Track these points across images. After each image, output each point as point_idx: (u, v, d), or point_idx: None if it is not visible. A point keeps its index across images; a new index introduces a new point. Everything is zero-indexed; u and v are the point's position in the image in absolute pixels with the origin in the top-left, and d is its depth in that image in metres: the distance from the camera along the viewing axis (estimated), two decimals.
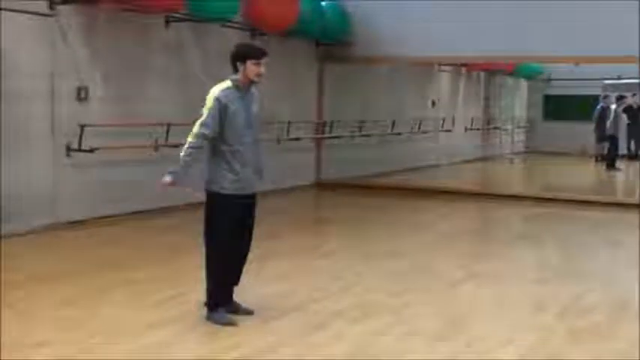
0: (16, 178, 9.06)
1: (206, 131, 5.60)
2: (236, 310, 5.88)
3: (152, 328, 5.63)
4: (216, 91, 5.70)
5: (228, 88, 5.72)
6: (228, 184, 5.69)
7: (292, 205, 12.49)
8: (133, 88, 10.68)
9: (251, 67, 5.70)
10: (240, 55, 5.75)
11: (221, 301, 5.82)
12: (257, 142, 5.94)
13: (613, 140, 20.92)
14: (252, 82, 5.81)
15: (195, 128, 5.65)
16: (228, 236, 5.72)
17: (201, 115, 5.66)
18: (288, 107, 13.63)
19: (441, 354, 5.26)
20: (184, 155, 5.63)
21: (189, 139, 5.66)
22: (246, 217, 5.84)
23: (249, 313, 5.90)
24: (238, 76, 5.75)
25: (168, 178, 5.61)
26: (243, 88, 5.77)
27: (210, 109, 5.62)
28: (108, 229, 9.68)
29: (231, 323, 5.68)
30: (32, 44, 9.22)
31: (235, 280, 5.93)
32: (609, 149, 21.05)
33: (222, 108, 5.62)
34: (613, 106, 20.95)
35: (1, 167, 8.85)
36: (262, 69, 5.76)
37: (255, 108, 5.89)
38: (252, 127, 5.84)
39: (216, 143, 5.68)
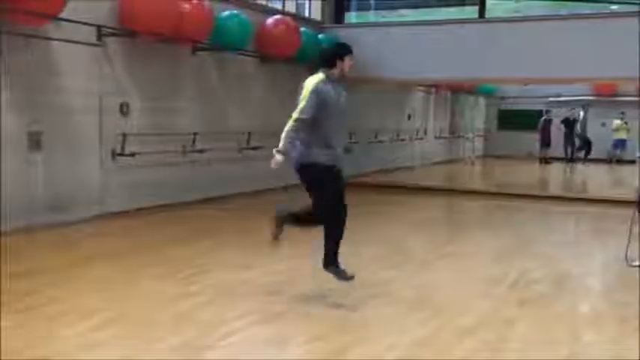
0: (72, 177, 9.06)
1: (304, 116, 5.37)
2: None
3: (181, 298, 5.64)
4: (313, 82, 5.47)
5: (322, 81, 5.50)
6: (325, 159, 5.48)
7: (289, 201, 12.45)
8: (165, 104, 10.65)
9: (347, 61, 5.61)
10: (340, 53, 5.62)
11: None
12: (343, 128, 5.82)
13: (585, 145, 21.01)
14: (341, 77, 5.64)
15: (295, 114, 5.42)
16: (337, 199, 5.58)
17: (299, 103, 5.44)
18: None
19: (413, 320, 5.26)
20: (285, 137, 5.40)
21: (289, 122, 5.42)
22: (341, 183, 5.67)
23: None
24: (334, 71, 5.56)
25: (278, 156, 5.37)
26: (336, 80, 5.61)
27: (308, 98, 5.38)
28: (143, 218, 9.66)
29: (352, 277, 5.59)
30: (84, 68, 9.20)
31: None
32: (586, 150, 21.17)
33: (319, 96, 5.40)
34: (581, 113, 21.02)
35: (60, 168, 8.85)
36: (352, 62, 5.69)
37: (343, 99, 5.66)
38: (342, 115, 5.63)
39: (313, 126, 5.42)
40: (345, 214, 5.69)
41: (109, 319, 5.02)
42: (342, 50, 5.67)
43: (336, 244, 5.63)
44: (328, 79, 5.55)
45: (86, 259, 7.01)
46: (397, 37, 14.01)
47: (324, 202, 5.55)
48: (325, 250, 5.61)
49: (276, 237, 5.80)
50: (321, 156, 5.48)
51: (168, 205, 10.40)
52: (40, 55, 8.53)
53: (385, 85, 16.75)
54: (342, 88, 5.70)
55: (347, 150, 5.94)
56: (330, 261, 5.61)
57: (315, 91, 5.40)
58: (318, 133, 5.46)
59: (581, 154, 22.66)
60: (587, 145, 21.83)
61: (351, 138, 16.05)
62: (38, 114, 8.53)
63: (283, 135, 5.42)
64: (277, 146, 5.42)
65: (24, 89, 8.35)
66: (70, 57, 8.93)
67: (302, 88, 5.51)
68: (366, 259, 7.40)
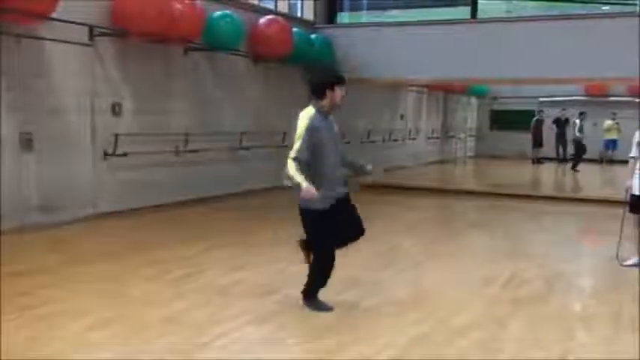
0: (65, 177, 9.05)
1: (301, 156, 5.03)
2: None
3: (176, 299, 5.65)
4: (305, 119, 5.13)
5: (313, 117, 5.15)
6: (321, 204, 5.15)
7: (287, 201, 12.47)
8: (157, 104, 10.64)
9: (338, 92, 5.22)
10: (329, 83, 5.22)
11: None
12: (339, 158, 5.37)
13: (579, 145, 20.99)
14: (332, 108, 5.27)
15: (292, 153, 5.06)
16: (330, 245, 5.33)
17: (293, 141, 5.11)
18: (284, 120, 13.60)
19: (407, 320, 5.28)
20: (294, 173, 5.01)
21: (290, 162, 5.05)
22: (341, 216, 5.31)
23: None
24: (323, 102, 5.21)
25: (307, 185, 4.98)
26: (326, 112, 5.27)
27: (302, 138, 5.05)
28: (136, 218, 9.66)
29: (331, 308, 5.38)
30: (76, 68, 9.19)
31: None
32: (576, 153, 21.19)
33: (313, 135, 5.07)
34: (577, 120, 21.03)
35: (53, 168, 8.84)
36: (344, 92, 5.29)
37: (336, 128, 5.37)
38: (337, 146, 5.33)
39: (310, 165, 5.11)
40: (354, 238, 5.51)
41: (103, 320, 5.03)
42: (331, 79, 5.26)
43: (322, 283, 5.42)
44: (319, 112, 5.20)
45: (79, 260, 7.00)
46: (389, 37, 14.05)
47: (318, 247, 5.36)
48: (308, 283, 5.44)
49: (308, 260, 5.49)
50: (316, 201, 5.10)
51: (161, 206, 10.39)
52: (31, 55, 8.51)
53: (377, 85, 16.77)
54: (332, 119, 5.39)
55: (357, 171, 5.64)
56: (311, 295, 5.44)
57: (309, 130, 5.07)
58: (315, 173, 5.12)
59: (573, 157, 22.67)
60: (580, 150, 21.86)
61: (343, 138, 16.12)
62: (30, 114, 8.51)
63: (292, 173, 5.02)
64: (298, 184, 5.03)
65: (15, 89, 8.33)
66: (62, 57, 8.92)
67: (296, 123, 5.18)
68: (360, 259, 7.41)
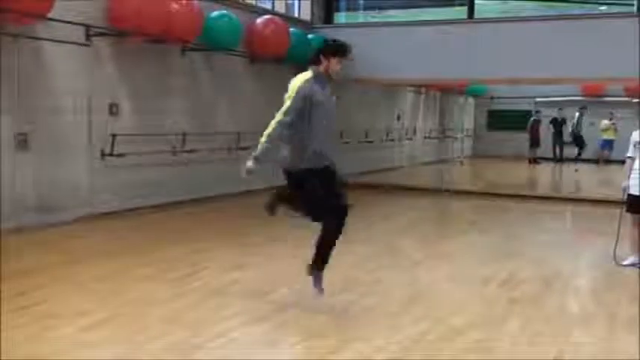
0: (61, 177, 9.04)
1: (287, 118, 4.91)
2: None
3: (173, 299, 5.64)
4: (299, 82, 5.03)
5: (308, 80, 5.04)
6: (312, 163, 5.06)
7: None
8: (154, 104, 10.63)
9: (334, 62, 5.06)
10: (329, 51, 5.08)
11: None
12: (332, 132, 5.30)
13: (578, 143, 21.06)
14: (331, 78, 5.13)
15: (278, 116, 4.97)
16: (326, 199, 5.14)
17: (284, 104, 5.00)
18: None
19: (404, 319, 5.29)
20: (265, 141, 4.95)
21: (272, 124, 4.96)
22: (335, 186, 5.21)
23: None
24: (320, 68, 5.09)
25: (250, 163, 4.94)
26: (324, 80, 5.10)
27: (293, 98, 4.95)
28: (133, 219, 9.65)
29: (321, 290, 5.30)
30: (73, 68, 9.18)
31: None
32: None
33: (304, 96, 4.95)
34: (577, 114, 21.08)
35: (50, 168, 8.83)
36: (341, 65, 5.12)
37: (333, 100, 5.21)
38: (331, 117, 5.17)
39: (298, 128, 4.98)
40: (342, 216, 5.26)
41: (100, 320, 5.02)
42: (327, 48, 5.16)
43: (329, 252, 5.31)
44: (316, 77, 5.10)
45: (76, 260, 6.99)
46: (386, 37, 14.05)
47: (315, 206, 5.18)
48: (316, 252, 5.33)
49: (272, 210, 5.44)
50: (306, 161, 5.04)
51: (158, 206, 10.39)
52: (28, 54, 8.50)
53: (374, 85, 16.78)
54: (330, 90, 5.25)
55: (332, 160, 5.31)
56: (317, 266, 5.32)
57: (301, 91, 4.99)
58: (303, 137, 5.01)
59: (574, 151, 22.67)
60: (579, 145, 21.88)
61: (341, 138, 16.13)
62: (26, 114, 8.50)
63: (263, 139, 4.99)
64: (257, 151, 4.99)
65: (12, 89, 8.32)
66: (58, 57, 8.91)
67: (289, 86, 5.13)
68: (357, 259, 7.42)
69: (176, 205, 10.65)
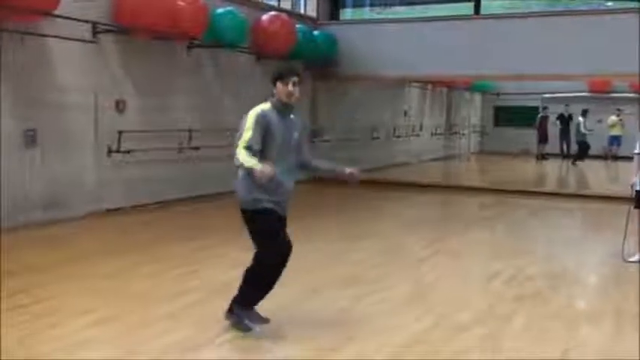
0: (68, 174, 9.04)
1: (251, 144, 4.52)
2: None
3: (178, 296, 5.61)
4: (257, 109, 4.67)
5: (267, 109, 4.69)
6: (264, 203, 4.66)
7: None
8: (161, 101, 10.61)
9: (280, 88, 4.68)
10: (272, 78, 4.75)
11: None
12: (292, 168, 4.83)
13: (582, 144, 20.94)
14: (288, 105, 4.73)
15: (242, 144, 4.56)
16: (274, 245, 4.69)
17: (240, 134, 4.62)
18: None
19: (409, 316, 5.24)
20: (247, 161, 4.50)
21: (238, 154, 4.56)
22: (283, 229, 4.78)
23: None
24: (274, 98, 4.73)
25: (267, 168, 4.40)
26: (281, 110, 4.71)
27: (253, 126, 4.56)
28: (139, 215, 9.64)
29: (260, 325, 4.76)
30: (79, 65, 9.17)
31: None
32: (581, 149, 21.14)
33: (263, 125, 4.58)
34: (580, 118, 20.98)
35: (56, 165, 8.82)
36: (291, 88, 4.67)
37: (295, 134, 4.80)
38: (290, 151, 4.76)
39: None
40: (283, 260, 4.74)
41: (103, 317, 4.99)
42: (274, 74, 4.77)
43: (266, 291, 4.77)
44: (273, 107, 4.71)
45: (81, 257, 6.98)
46: (392, 34, 13.99)
47: (259, 248, 4.73)
48: (238, 293, 4.82)
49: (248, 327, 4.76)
50: (264, 202, 4.65)
51: (163, 202, 10.37)
52: (35, 52, 8.48)
53: (380, 81, 16.72)
54: (295, 120, 4.86)
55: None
56: (252, 304, 4.78)
57: (256, 118, 4.59)
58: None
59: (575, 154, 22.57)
60: (583, 151, 21.77)
61: (347, 135, 16.08)
62: (33, 111, 8.49)
63: (242, 159, 4.54)
64: (253, 167, 4.47)
65: (19, 86, 8.31)
66: (65, 54, 8.89)
67: (244, 120, 4.68)
68: (362, 255, 7.39)
69: (182, 202, 10.63)
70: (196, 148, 11.04)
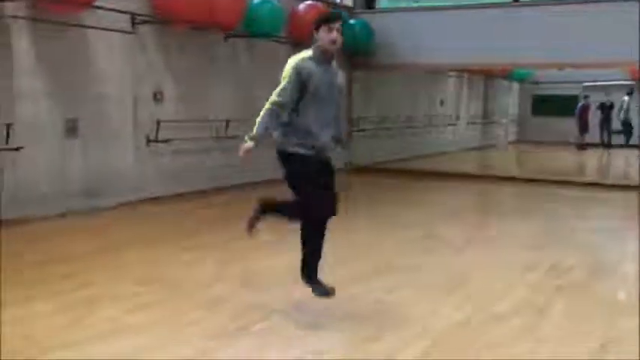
0: (107, 163, 9.16)
1: (280, 99, 4.58)
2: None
3: (215, 284, 5.67)
4: (297, 59, 4.64)
5: (306, 58, 4.63)
6: (304, 149, 4.67)
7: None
8: (198, 90, 10.69)
9: (323, 34, 4.56)
10: (314, 24, 4.61)
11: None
12: (337, 115, 4.82)
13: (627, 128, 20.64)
14: (329, 53, 4.64)
15: (272, 97, 4.65)
16: (314, 193, 4.69)
17: (279, 84, 4.65)
18: None
19: (447, 305, 5.23)
20: (259, 121, 4.63)
21: (266, 106, 4.65)
22: (324, 178, 4.79)
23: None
24: (315, 46, 4.65)
25: (248, 143, 4.60)
26: (322, 59, 4.64)
27: (288, 79, 4.58)
28: (178, 204, 9.74)
29: (331, 292, 4.86)
30: (119, 56, 9.28)
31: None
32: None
33: (300, 77, 4.55)
34: (626, 98, 20.64)
35: (96, 154, 8.95)
36: (335, 35, 4.56)
37: (337, 80, 4.76)
38: (331, 98, 4.70)
39: (293, 110, 4.64)
40: (329, 212, 4.81)
41: (141, 304, 5.07)
42: (316, 20, 4.64)
43: (313, 255, 4.85)
44: (314, 56, 4.64)
45: (120, 245, 7.09)
46: (429, 22, 13.88)
47: (300, 201, 4.75)
48: (303, 258, 4.90)
49: (251, 226, 5.09)
50: (298, 146, 4.66)
51: (201, 191, 10.47)
52: (75, 42, 8.61)
53: (417, 70, 16.61)
54: (335, 68, 4.80)
55: (339, 142, 4.97)
56: (309, 273, 4.88)
57: (295, 70, 4.58)
58: (297, 119, 4.64)
59: (621, 138, 22.16)
60: (627, 132, 21.40)
61: (383, 124, 16.03)
62: (74, 101, 8.63)
63: (258, 119, 4.66)
64: (252, 136, 4.66)
65: (60, 76, 8.44)
66: (104, 45, 9.01)
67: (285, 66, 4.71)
68: (397, 244, 7.38)
69: (220, 191, 10.72)
70: (234, 137, 11.09)
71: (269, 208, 5.04)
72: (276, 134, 4.74)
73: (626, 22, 11.99)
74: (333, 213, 4.81)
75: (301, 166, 4.68)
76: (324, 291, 4.86)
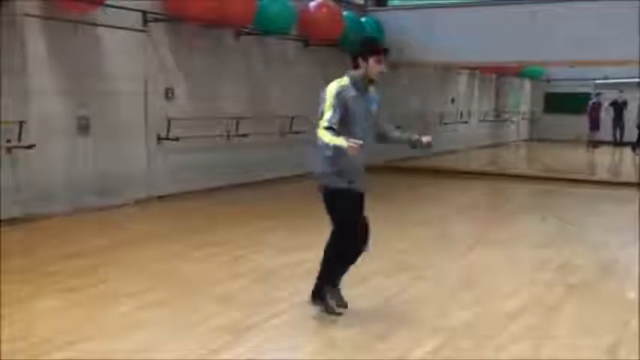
0: (119, 160, 9.23)
1: (334, 125, 4.46)
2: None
3: (226, 280, 5.72)
4: (336, 86, 4.59)
5: (346, 86, 4.61)
6: (346, 184, 4.69)
7: None
8: (209, 88, 10.74)
9: (373, 64, 4.59)
10: (363, 51, 4.60)
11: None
12: (367, 145, 4.67)
13: None
14: (371, 81, 4.68)
15: (323, 124, 4.48)
16: (350, 224, 4.75)
17: (322, 112, 4.54)
18: None
19: (457, 303, 5.25)
20: (334, 139, 4.41)
21: (321, 135, 4.48)
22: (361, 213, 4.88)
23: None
24: (356, 73, 4.64)
25: (352, 142, 4.33)
26: (362, 85, 4.65)
27: (333, 104, 4.50)
28: (189, 201, 9.79)
29: (341, 310, 4.88)
30: (130, 54, 9.34)
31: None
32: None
33: (342, 103, 4.52)
34: None
35: (108, 152, 9.02)
36: (382, 66, 4.62)
37: (373, 110, 4.76)
38: (366, 128, 4.72)
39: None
40: (363, 247, 4.86)
41: (154, 300, 5.13)
42: (364, 48, 4.65)
43: (332, 276, 4.89)
44: (353, 83, 4.65)
45: (132, 242, 7.15)
46: (440, 19, 13.87)
47: (338, 225, 4.79)
48: (317, 280, 4.91)
49: (331, 311, 4.88)
50: (341, 181, 4.68)
51: (212, 189, 10.52)
52: (87, 40, 8.67)
53: (429, 67, 16.59)
54: (372, 95, 4.81)
55: (414, 145, 4.98)
56: (320, 293, 4.89)
57: (337, 97, 4.53)
58: (336, 151, 4.52)
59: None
60: None
61: (399, 121, 16.02)
62: (86, 99, 8.69)
63: (328, 139, 4.45)
64: (341, 144, 4.40)
65: (72, 74, 8.51)
66: (116, 43, 9.07)
67: (324, 94, 4.63)
68: (409, 243, 7.39)
69: (230, 189, 10.76)
70: (244, 135, 11.15)
71: (320, 287, 4.93)
72: (319, 169, 4.75)
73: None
74: (365, 245, 4.88)
75: (344, 200, 4.72)
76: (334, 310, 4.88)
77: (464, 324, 4.78)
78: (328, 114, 4.50)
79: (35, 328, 4.45)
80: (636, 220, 10.12)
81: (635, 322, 4.94)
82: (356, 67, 4.67)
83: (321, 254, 4.89)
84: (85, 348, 4.17)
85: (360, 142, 4.39)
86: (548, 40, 12.81)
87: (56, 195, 8.31)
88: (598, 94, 22.42)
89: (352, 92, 4.61)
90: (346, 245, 4.80)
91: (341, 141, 4.39)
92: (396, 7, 15.65)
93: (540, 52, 13.26)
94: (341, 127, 4.53)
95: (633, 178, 14.57)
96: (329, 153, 4.58)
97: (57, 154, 8.37)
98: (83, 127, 8.67)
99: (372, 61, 4.60)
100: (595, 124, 22.03)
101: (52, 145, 8.28)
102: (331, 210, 4.78)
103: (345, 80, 4.67)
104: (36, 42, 8.06)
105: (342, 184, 4.71)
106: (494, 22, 13.25)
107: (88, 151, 8.77)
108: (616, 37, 12.12)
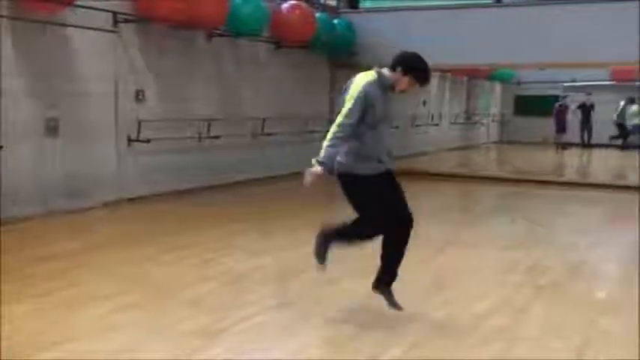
0: (88, 163, 9.12)
1: (350, 121, 4.52)
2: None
3: (197, 284, 5.69)
4: (363, 82, 4.64)
5: (372, 82, 4.65)
6: (368, 169, 4.72)
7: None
8: (180, 90, 10.68)
9: (407, 81, 4.73)
10: (411, 67, 4.72)
11: None
12: (389, 134, 4.91)
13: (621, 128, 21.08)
14: (392, 88, 4.79)
15: (340, 118, 4.57)
16: (386, 214, 4.88)
17: (344, 105, 4.62)
18: (307, 106, 13.57)
19: (427, 306, 5.27)
20: (329, 145, 4.53)
21: (334, 128, 4.56)
22: (393, 191, 4.96)
23: None
24: (389, 77, 4.74)
25: (318, 168, 4.50)
26: (386, 87, 4.73)
27: (355, 101, 4.55)
28: (159, 204, 9.71)
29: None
30: (100, 55, 9.24)
31: None
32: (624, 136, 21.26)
33: (366, 101, 4.56)
34: (622, 102, 21.09)
35: (77, 154, 8.91)
36: (410, 88, 4.81)
37: (393, 105, 4.88)
38: (389, 123, 4.89)
39: (357, 132, 4.61)
40: (407, 225, 5.04)
41: (127, 303, 5.08)
42: (414, 66, 4.74)
43: (394, 265, 5.01)
44: (380, 81, 4.71)
45: (102, 245, 7.08)
46: (412, 22, 13.92)
47: (371, 221, 4.90)
48: (380, 270, 5.06)
49: (322, 259, 5.02)
50: (363, 168, 4.70)
51: (183, 191, 10.46)
52: (56, 41, 8.57)
53: None
54: (392, 96, 4.92)
55: (390, 156, 5.00)
56: (384, 282, 5.02)
57: (363, 93, 4.58)
58: (359, 141, 4.64)
59: (619, 141, 22.39)
60: (623, 134, 21.78)
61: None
62: (55, 100, 8.59)
63: (327, 143, 4.55)
64: (320, 157, 4.54)
65: (41, 75, 8.40)
66: (85, 43, 8.97)
67: (348, 86, 4.72)
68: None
69: (201, 191, 10.71)
70: (216, 137, 11.10)
71: (331, 235, 5.03)
72: (338, 157, 4.69)
73: (610, 23, 12.11)
74: (410, 220, 5.05)
75: (369, 186, 4.75)
76: (395, 303, 4.98)
77: (435, 325, 4.81)
78: (347, 105, 4.58)
79: (4, 334, 4.38)
80: (603, 221, 10.28)
81: (603, 322, 5.01)
82: (392, 70, 4.74)
83: (314, 257, 5.01)
84: (57, 352, 4.12)
85: (314, 176, 4.52)
86: (518, 42, 12.94)
87: (26, 197, 8.19)
88: (564, 97, 22.77)
89: (377, 90, 4.66)
90: (372, 231, 4.98)
91: (324, 155, 4.52)
92: (368, 10, 15.70)
93: (510, 55, 13.39)
94: (365, 124, 4.60)
95: (598, 179, 14.79)
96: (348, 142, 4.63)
97: (25, 156, 8.25)
98: (52, 128, 8.56)
99: (408, 79, 4.72)
100: (561, 127, 22.37)
101: (21, 146, 8.16)
102: (352, 196, 4.85)
103: (372, 77, 4.71)
104: (4, 43, 7.93)
105: (360, 171, 4.73)
106: (465, 25, 13.35)
107: (56, 153, 8.66)
108: (585, 40, 12.28)
